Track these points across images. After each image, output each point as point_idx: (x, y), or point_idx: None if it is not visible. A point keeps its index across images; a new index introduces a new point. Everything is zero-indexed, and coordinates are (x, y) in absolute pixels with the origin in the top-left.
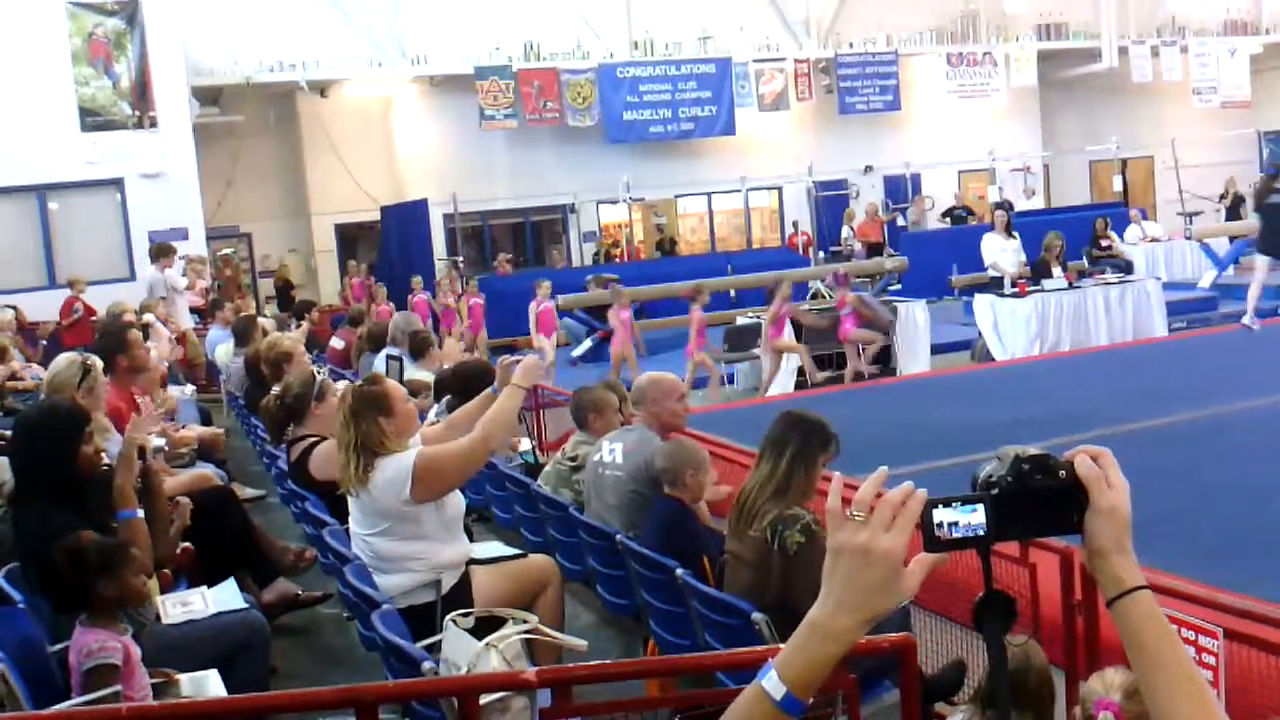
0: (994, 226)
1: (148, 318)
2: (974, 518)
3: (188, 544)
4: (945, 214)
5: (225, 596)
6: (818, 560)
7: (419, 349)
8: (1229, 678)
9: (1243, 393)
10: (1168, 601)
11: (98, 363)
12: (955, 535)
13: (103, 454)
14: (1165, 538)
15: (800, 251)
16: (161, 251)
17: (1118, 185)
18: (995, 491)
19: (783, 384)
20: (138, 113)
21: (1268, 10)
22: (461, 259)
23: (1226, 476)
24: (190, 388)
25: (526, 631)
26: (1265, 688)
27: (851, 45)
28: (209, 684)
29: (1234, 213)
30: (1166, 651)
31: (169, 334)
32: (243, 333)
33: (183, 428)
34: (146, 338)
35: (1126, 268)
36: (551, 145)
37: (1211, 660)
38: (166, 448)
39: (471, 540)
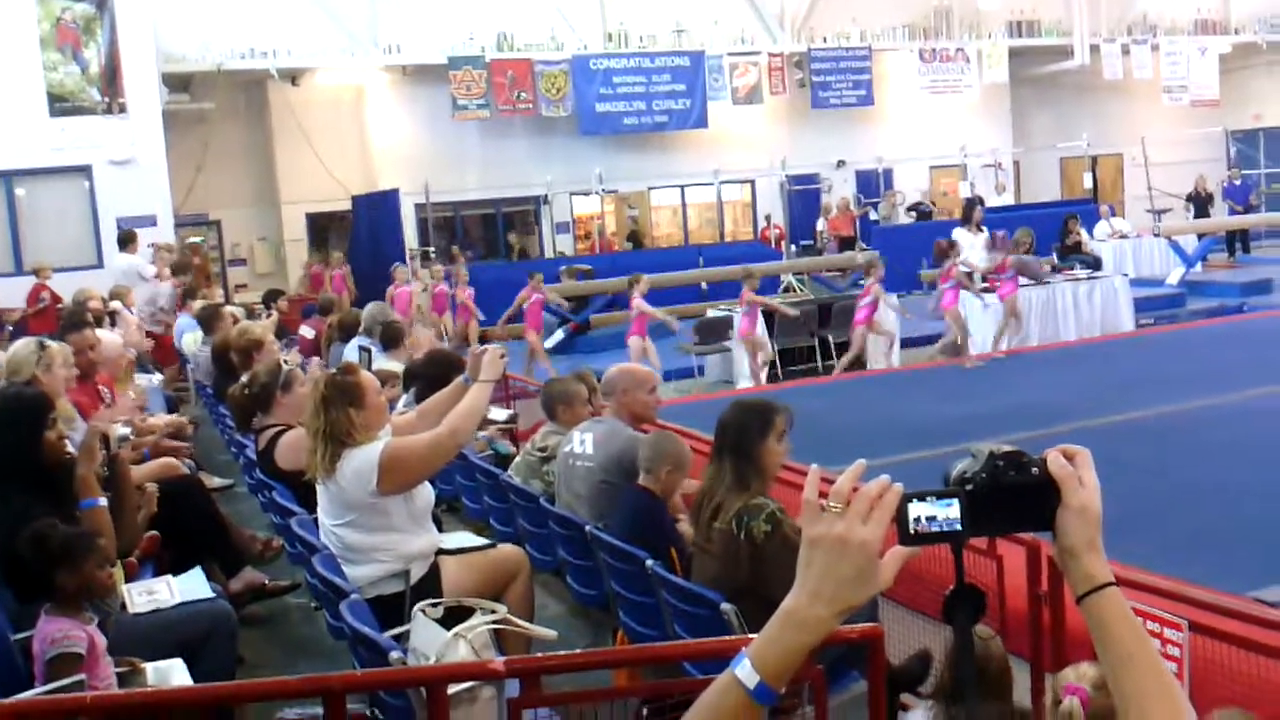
0: (965, 222)
1: (115, 305)
2: (949, 512)
3: (154, 532)
4: (910, 209)
5: (192, 585)
6: (785, 548)
7: (391, 339)
8: (1194, 669)
9: (1209, 389)
10: (1135, 594)
11: (57, 345)
12: (931, 530)
13: (65, 440)
14: (1132, 532)
15: (772, 245)
16: (126, 239)
17: (1088, 182)
18: (970, 487)
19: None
20: (107, 99)
21: (1237, 10)
22: (433, 249)
23: (1192, 471)
24: (158, 376)
25: (495, 622)
26: (1229, 679)
27: (825, 40)
28: (174, 673)
29: (1202, 210)
30: (1134, 646)
31: (137, 321)
32: (209, 321)
33: (150, 416)
34: (114, 324)
35: (1095, 264)
36: (524, 136)
37: (1176, 652)
38: (132, 436)
39: (441, 531)
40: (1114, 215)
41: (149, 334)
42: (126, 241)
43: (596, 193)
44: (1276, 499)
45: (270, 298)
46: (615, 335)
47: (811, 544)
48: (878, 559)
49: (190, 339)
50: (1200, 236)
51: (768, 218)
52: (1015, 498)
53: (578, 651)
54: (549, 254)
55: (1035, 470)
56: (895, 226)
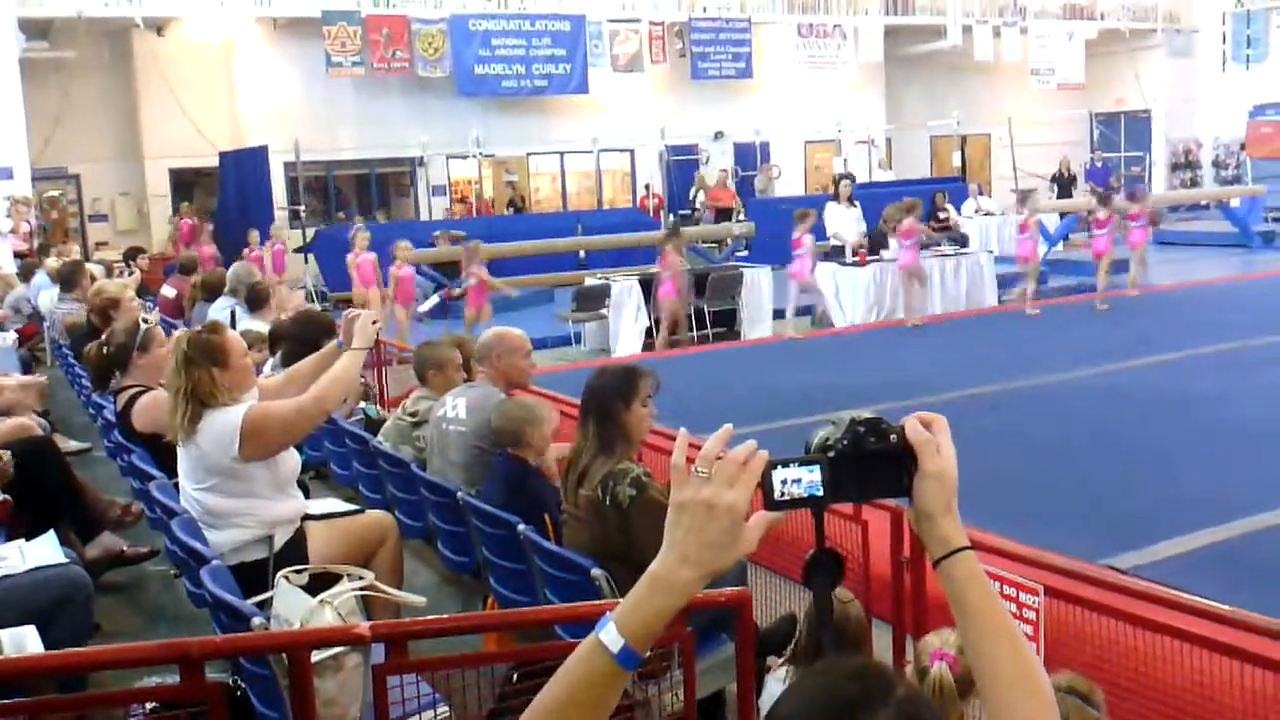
0: (837, 196)
1: None
2: (812, 477)
3: (5, 497)
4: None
5: (44, 551)
6: (650, 511)
7: (257, 300)
8: (1048, 633)
9: (1068, 363)
10: (993, 560)
11: None
12: (795, 494)
13: None
14: (992, 499)
15: (651, 214)
16: None
17: (957, 160)
18: (832, 454)
19: (630, 344)
20: None
21: None
22: (304, 208)
23: (1049, 441)
24: (12, 336)
25: (362, 588)
26: (1082, 642)
27: (705, 10)
28: (27, 640)
29: (1065, 191)
30: (988, 609)
31: None
32: (68, 278)
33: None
34: None
35: (961, 240)
36: (400, 96)
37: (1032, 616)
38: None
39: (308, 497)
40: (981, 194)
41: None
42: None
43: (474, 156)
44: (1127, 470)
45: (131, 255)
46: (492, 301)
47: (679, 508)
48: (744, 523)
49: (46, 297)
50: (1062, 216)
51: (647, 187)
52: (875, 464)
53: (445, 616)
54: (424, 217)
55: (894, 437)
56: (771, 199)
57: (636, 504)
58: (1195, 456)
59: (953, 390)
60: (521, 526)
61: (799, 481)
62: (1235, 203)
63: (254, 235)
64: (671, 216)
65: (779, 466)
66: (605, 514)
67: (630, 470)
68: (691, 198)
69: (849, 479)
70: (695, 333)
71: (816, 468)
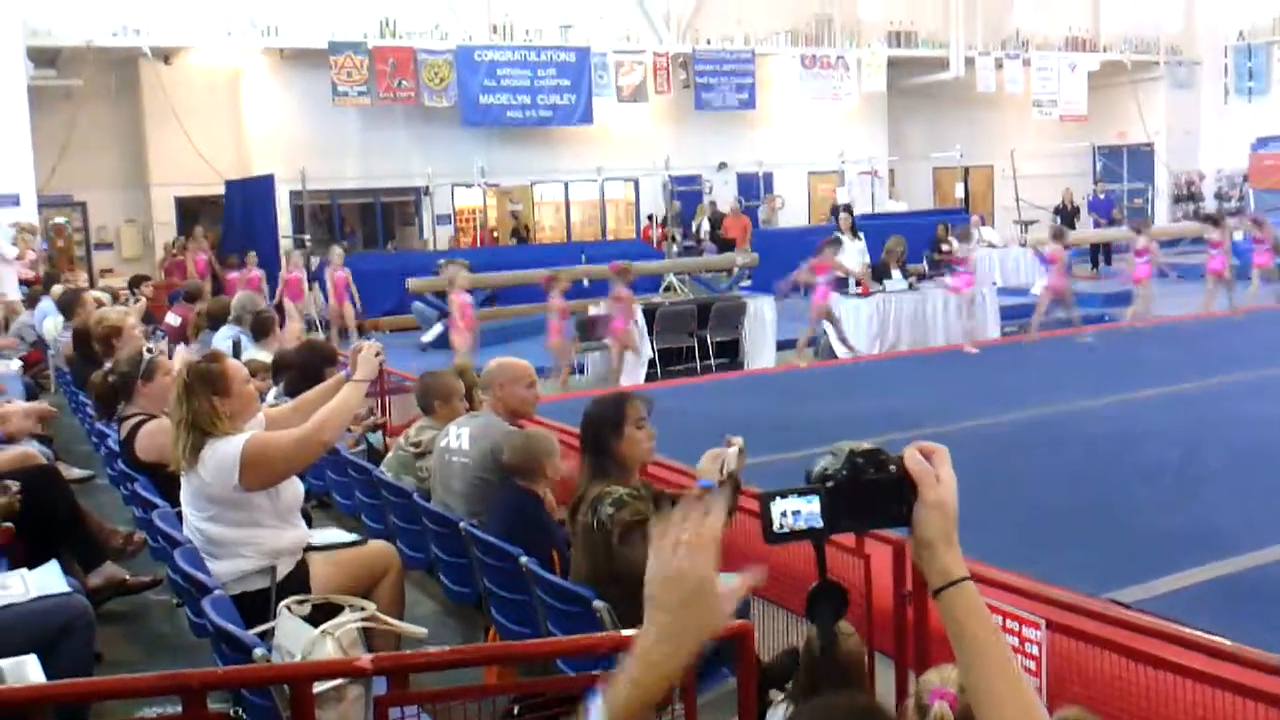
0: (840, 227)
1: None
2: (811, 509)
3: (8, 524)
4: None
5: (47, 580)
6: (630, 527)
7: (261, 329)
8: (1050, 668)
9: (1071, 394)
10: (994, 593)
11: None
12: (794, 526)
13: None
14: (993, 531)
15: (654, 245)
16: None
17: (960, 192)
18: (830, 484)
19: (633, 375)
20: None
21: (1106, 29)
22: (309, 238)
23: (1052, 473)
24: (17, 363)
25: (364, 619)
26: (1085, 677)
27: (710, 41)
28: (27, 670)
29: (1068, 223)
30: (987, 641)
31: None
32: (69, 306)
33: (6, 403)
34: None
35: None
36: (405, 125)
37: (1035, 650)
38: None
39: (310, 526)
40: (983, 225)
41: None
42: None
43: (479, 185)
44: (1131, 503)
45: (136, 283)
46: (496, 330)
47: (658, 584)
48: (716, 593)
49: (50, 324)
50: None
51: (650, 217)
52: (874, 494)
53: (447, 649)
54: (430, 247)
55: (893, 468)
56: (774, 230)
57: (615, 521)
58: (1200, 489)
59: (954, 422)
60: (524, 558)
61: (798, 514)
62: (1239, 235)
63: (252, 256)
64: (675, 248)
65: (777, 498)
66: (595, 537)
67: (613, 491)
68: (695, 228)
69: (847, 510)
70: (699, 362)
71: (815, 498)
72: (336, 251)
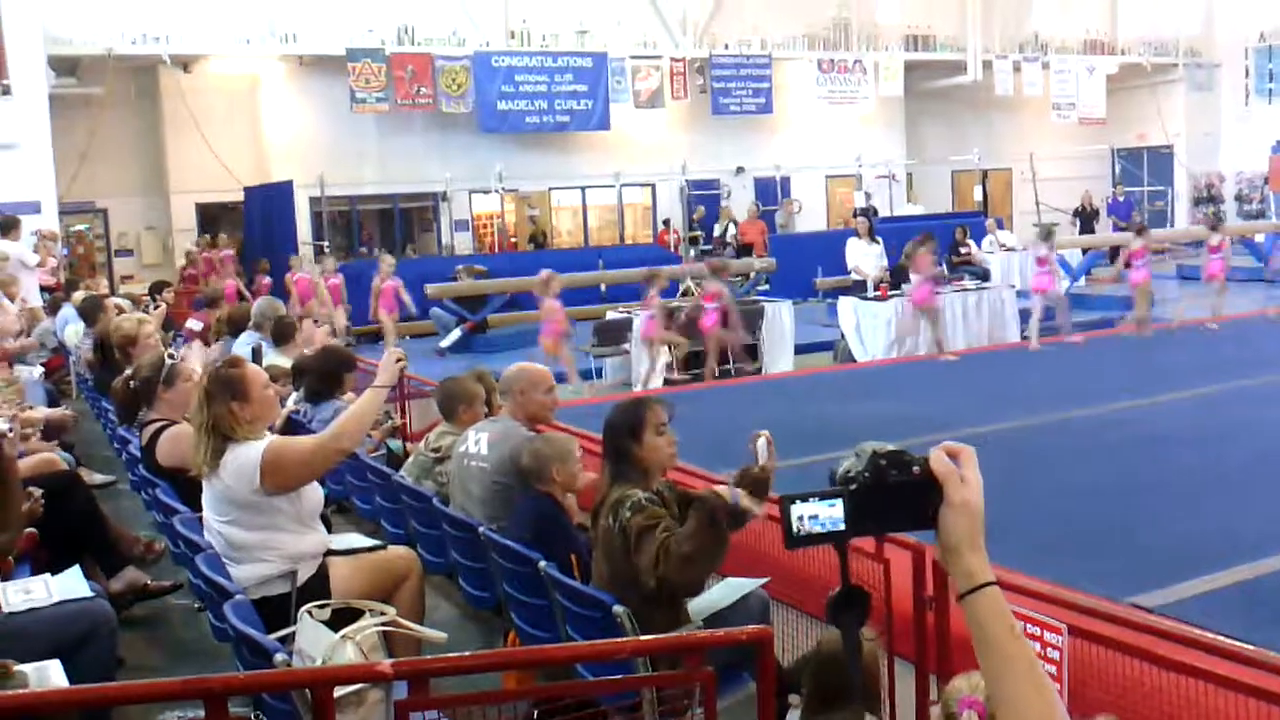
0: (858, 232)
1: None
2: (833, 512)
3: (32, 529)
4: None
5: (70, 584)
6: (641, 532)
7: (282, 335)
8: (1072, 673)
9: (1090, 398)
10: (1016, 598)
11: None
12: (815, 529)
13: None
14: (1016, 535)
15: (671, 249)
16: (8, 225)
17: (978, 195)
18: (854, 487)
19: (654, 379)
20: None
21: (1124, 32)
22: (328, 244)
23: (1073, 477)
24: (39, 369)
25: (384, 624)
26: (1106, 682)
27: (726, 46)
28: (51, 674)
29: (1088, 225)
30: (1012, 646)
31: (15, 310)
32: (90, 312)
33: (30, 408)
34: None
35: (983, 275)
36: (423, 131)
37: (1056, 655)
38: (11, 431)
39: (330, 531)
40: (1001, 228)
41: None
42: (8, 228)
43: (496, 191)
44: (1153, 507)
45: (157, 289)
46: (513, 335)
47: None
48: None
49: (72, 331)
50: (1085, 251)
51: (666, 222)
52: (898, 496)
53: (467, 654)
54: (448, 252)
55: (916, 469)
56: (792, 235)
57: (631, 524)
58: (1223, 492)
59: (975, 425)
60: (543, 563)
61: (816, 518)
62: (1260, 238)
63: (265, 263)
64: (692, 252)
65: (797, 501)
66: (615, 541)
67: (633, 495)
68: (720, 232)
69: (870, 512)
70: (717, 366)
71: (838, 501)
72: (387, 260)
